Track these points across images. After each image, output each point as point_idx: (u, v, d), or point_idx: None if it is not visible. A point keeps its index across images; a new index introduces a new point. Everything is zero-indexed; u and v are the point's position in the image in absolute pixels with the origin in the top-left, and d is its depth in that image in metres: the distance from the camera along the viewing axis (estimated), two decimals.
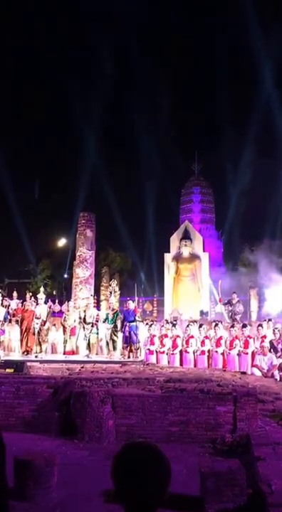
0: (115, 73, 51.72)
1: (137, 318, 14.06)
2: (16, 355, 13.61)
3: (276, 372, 11.11)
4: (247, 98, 52.59)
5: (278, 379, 10.81)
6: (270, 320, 15.17)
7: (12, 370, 9.62)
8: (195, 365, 12.74)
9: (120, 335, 13.82)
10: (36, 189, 42.17)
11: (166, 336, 13.51)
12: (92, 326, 13.94)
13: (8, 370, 9.68)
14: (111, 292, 16.60)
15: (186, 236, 21.14)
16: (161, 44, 57.16)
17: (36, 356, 13.29)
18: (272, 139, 44.40)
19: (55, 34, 50.67)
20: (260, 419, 7.42)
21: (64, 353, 14.00)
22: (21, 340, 13.88)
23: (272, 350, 12.06)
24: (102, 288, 27.11)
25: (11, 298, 15.87)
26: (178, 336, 13.42)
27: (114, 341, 13.73)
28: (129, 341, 13.50)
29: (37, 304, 14.47)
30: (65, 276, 31.42)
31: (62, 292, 30.47)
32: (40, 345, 13.81)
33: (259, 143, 41.64)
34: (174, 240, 21.40)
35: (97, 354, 13.94)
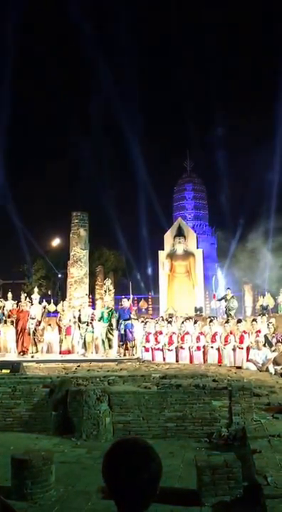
0: (104, 67, 51.59)
1: (132, 316, 14.11)
2: (12, 356, 13.61)
3: (271, 366, 11.18)
4: (241, 94, 52.76)
5: (273, 373, 10.89)
6: (264, 314, 15.29)
7: (8, 371, 9.61)
8: (191, 361, 12.80)
9: (116, 333, 13.86)
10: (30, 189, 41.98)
11: (160, 332, 13.56)
12: (87, 324, 13.96)
13: (4, 371, 9.66)
14: (106, 291, 16.62)
15: (179, 233, 21.21)
16: (155, 42, 57.15)
17: (32, 356, 13.29)
18: (266, 130, 44.70)
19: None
20: (256, 413, 7.48)
21: (60, 353, 14.02)
22: (17, 341, 13.88)
23: (266, 345, 12.15)
24: (96, 287, 27.13)
25: (6, 299, 15.86)
26: (174, 333, 13.48)
27: (109, 339, 13.76)
28: (124, 339, 13.55)
29: (31, 304, 14.46)
30: (60, 276, 31.37)
31: (57, 292, 30.44)
32: (36, 345, 13.83)
33: (253, 138, 41.83)
34: (168, 238, 21.45)
35: (92, 353, 13.96)
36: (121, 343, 13.68)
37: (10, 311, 14.76)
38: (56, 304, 18.03)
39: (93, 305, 18.94)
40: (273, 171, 31.24)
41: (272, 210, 30.14)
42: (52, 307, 17.62)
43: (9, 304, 15.30)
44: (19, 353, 13.67)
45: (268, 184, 31.86)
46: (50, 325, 15.29)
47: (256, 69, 55.41)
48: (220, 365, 11.79)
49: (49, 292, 31.77)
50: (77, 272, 18.25)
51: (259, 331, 12.86)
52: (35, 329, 13.78)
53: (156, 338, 13.45)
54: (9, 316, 14.55)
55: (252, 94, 51.61)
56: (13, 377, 8.93)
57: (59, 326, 14.48)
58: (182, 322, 14.10)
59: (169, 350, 13.20)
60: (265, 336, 12.63)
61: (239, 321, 13.67)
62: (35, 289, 15.67)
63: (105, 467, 1.41)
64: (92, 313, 14.52)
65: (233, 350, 12.65)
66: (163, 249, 21.39)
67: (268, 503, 4.13)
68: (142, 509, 1.38)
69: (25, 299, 14.67)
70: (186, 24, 54.32)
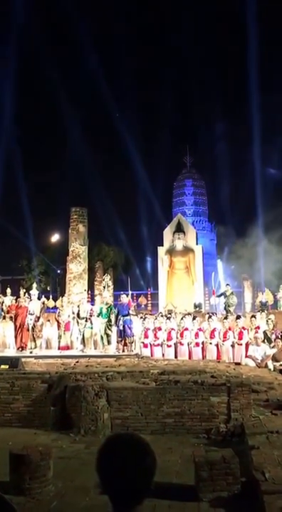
0: (102, 64, 51.52)
1: (130, 311, 14.08)
2: (11, 352, 13.61)
3: (270, 363, 11.18)
4: (239, 88, 52.61)
5: (272, 369, 10.89)
6: (263, 311, 15.28)
7: (7, 366, 9.61)
8: (189, 357, 12.80)
9: (114, 329, 13.84)
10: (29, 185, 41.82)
11: (159, 328, 13.56)
12: (86, 320, 13.93)
13: (3, 367, 9.66)
14: (105, 287, 16.59)
15: (179, 229, 21.17)
16: (151, 36, 56.95)
17: (31, 352, 13.28)
18: (264, 124, 44.58)
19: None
20: (254, 409, 7.49)
21: (59, 348, 14.01)
22: (16, 337, 13.86)
23: (266, 341, 12.14)
24: (96, 283, 27.12)
25: (5, 294, 15.83)
26: (172, 329, 13.48)
27: (108, 335, 13.74)
28: (123, 335, 13.52)
29: (30, 299, 14.43)
30: (59, 271, 31.35)
31: (56, 288, 30.42)
32: (35, 340, 13.81)
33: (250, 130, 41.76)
34: (167, 233, 21.42)
35: (91, 348, 13.94)
36: (120, 339, 13.66)
37: (9, 306, 14.73)
38: (55, 300, 18.03)
39: (92, 301, 18.95)
40: (272, 165, 31.24)
41: (271, 205, 30.14)
42: (51, 303, 17.62)
43: (8, 300, 15.27)
44: (18, 348, 13.66)
45: (268, 179, 31.85)
46: (49, 321, 15.27)
47: (256, 64, 55.12)
48: (219, 362, 11.77)
49: (48, 288, 31.76)
50: (76, 267, 18.22)
51: (258, 327, 12.84)
52: (33, 325, 13.76)
53: (155, 334, 13.45)
54: (8, 312, 14.52)
55: (252, 89, 51.38)
56: (12, 373, 8.94)
57: (58, 322, 14.46)
58: (181, 318, 14.10)
59: (168, 346, 13.20)
60: (265, 332, 12.62)
61: (238, 317, 13.67)
62: (34, 285, 15.65)
63: (98, 461, 1.40)
64: (91, 309, 14.50)
65: (232, 346, 12.65)
66: (162, 245, 21.36)
67: (266, 498, 4.14)
68: (136, 504, 1.38)
69: (24, 295, 14.64)
70: (186, 18, 54.12)
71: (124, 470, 1.35)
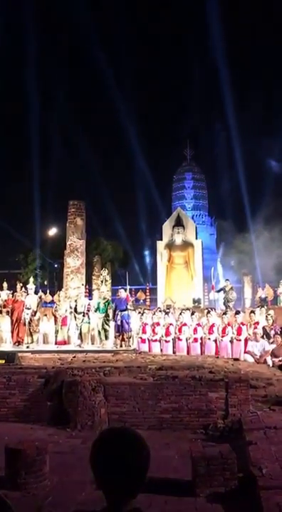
0: (102, 59, 51.16)
1: (128, 306, 14.03)
2: (8, 346, 13.55)
3: (268, 358, 11.16)
4: (239, 82, 52.39)
5: (271, 365, 10.86)
6: (262, 306, 15.23)
7: (3, 361, 9.56)
8: (188, 353, 12.76)
9: (112, 324, 13.79)
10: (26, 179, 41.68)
11: (158, 324, 13.50)
12: (83, 315, 13.86)
13: None
14: (102, 281, 16.52)
15: (178, 223, 21.02)
16: (149, 31, 56.63)
17: (28, 347, 13.23)
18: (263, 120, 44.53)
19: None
20: (253, 405, 7.45)
21: (56, 343, 13.97)
22: (12, 331, 13.81)
23: (265, 337, 12.10)
24: (93, 277, 26.99)
25: (1, 289, 15.73)
26: (171, 324, 13.42)
27: (106, 330, 13.69)
28: (121, 330, 13.47)
29: (27, 294, 14.35)
30: (56, 265, 31.23)
31: (53, 282, 30.32)
32: (32, 335, 13.75)
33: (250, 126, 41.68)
34: (167, 228, 21.28)
35: (88, 344, 13.90)
36: (117, 334, 13.60)
37: (5, 301, 14.64)
38: (52, 294, 17.95)
39: (90, 295, 18.86)
40: (274, 158, 31.14)
41: (272, 199, 30.01)
42: (48, 297, 17.54)
43: (4, 294, 15.18)
44: (14, 343, 13.61)
45: (269, 172, 31.75)
46: (45, 315, 15.22)
47: (256, 59, 54.98)
48: (217, 357, 11.73)
49: (45, 282, 31.66)
50: (74, 261, 18.10)
51: (257, 323, 12.79)
52: (30, 319, 13.70)
53: (153, 330, 13.39)
54: (4, 306, 14.44)
55: (253, 83, 51.29)
56: (8, 368, 8.90)
57: (55, 317, 14.41)
58: (180, 313, 14.03)
59: (166, 341, 13.15)
60: (264, 328, 12.57)
61: (237, 312, 13.61)
62: (31, 279, 15.56)
63: (92, 456, 1.40)
64: (89, 304, 14.42)
65: (231, 342, 12.60)
66: (161, 240, 21.25)
67: (263, 494, 4.11)
68: (130, 498, 1.38)
69: (21, 289, 14.57)
70: (187, 10, 53.82)
71: (118, 464, 1.35)
